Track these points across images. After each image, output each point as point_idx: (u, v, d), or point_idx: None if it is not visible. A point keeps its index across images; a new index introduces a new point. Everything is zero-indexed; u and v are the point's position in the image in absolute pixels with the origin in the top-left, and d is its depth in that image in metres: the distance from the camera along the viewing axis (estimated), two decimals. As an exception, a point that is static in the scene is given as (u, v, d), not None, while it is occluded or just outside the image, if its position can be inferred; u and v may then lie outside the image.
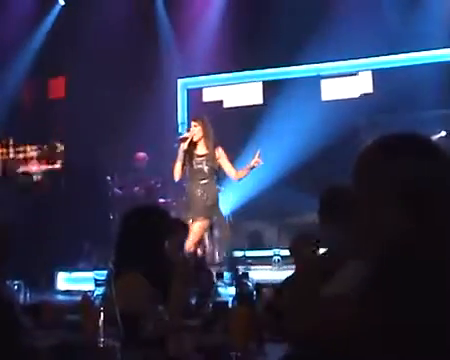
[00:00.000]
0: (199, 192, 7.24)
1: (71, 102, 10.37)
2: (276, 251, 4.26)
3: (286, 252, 4.09)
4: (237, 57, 9.86)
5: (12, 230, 3.15)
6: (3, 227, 3.12)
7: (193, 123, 7.36)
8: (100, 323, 2.17)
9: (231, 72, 10.39)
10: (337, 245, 1.90)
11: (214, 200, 7.33)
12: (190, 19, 10.09)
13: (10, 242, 3.11)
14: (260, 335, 2.69)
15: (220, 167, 7.29)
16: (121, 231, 3.46)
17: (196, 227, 7.10)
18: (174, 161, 7.28)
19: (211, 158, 7.23)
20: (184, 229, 5.03)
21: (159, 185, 9.47)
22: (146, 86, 9.69)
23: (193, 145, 7.26)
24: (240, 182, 7.58)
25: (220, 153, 7.28)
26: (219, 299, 3.00)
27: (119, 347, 2.24)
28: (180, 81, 10.70)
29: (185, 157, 7.24)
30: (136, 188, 9.46)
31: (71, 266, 8.49)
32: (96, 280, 2.56)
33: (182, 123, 9.98)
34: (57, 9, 10.93)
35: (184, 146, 7.20)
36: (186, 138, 7.24)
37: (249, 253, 8.55)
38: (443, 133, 7.90)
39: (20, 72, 10.50)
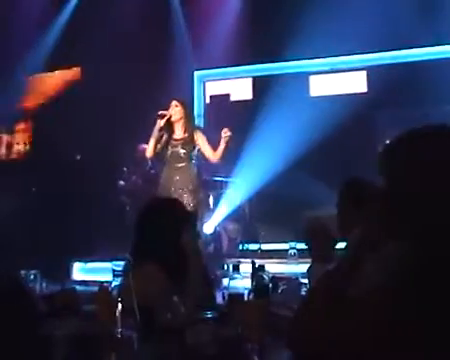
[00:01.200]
0: (174, 177, 6.93)
1: (85, 95, 10.37)
2: (292, 244, 4.25)
3: (302, 245, 4.09)
4: (254, 49, 9.82)
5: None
6: None
7: (174, 102, 7.02)
8: (118, 314, 2.18)
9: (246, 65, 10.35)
10: (358, 238, 1.89)
11: (193, 185, 6.96)
12: (204, 11, 10.04)
13: None
14: (276, 328, 2.69)
15: (199, 151, 7.00)
16: (138, 222, 3.47)
17: None
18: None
19: (189, 141, 6.93)
20: (199, 221, 5.03)
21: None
22: (161, 78, 9.67)
23: (171, 127, 6.98)
24: (252, 172, 7.46)
25: (198, 136, 6.98)
26: (235, 291, 2.99)
27: (136, 338, 2.25)
28: (196, 73, 10.68)
29: (161, 136, 6.95)
30: (138, 180, 9.40)
31: (86, 256, 8.51)
32: (114, 271, 2.57)
33: (198, 115, 9.97)
34: (73, 3, 10.93)
35: (161, 123, 6.89)
36: (164, 115, 6.91)
37: (264, 246, 8.56)
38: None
39: (37, 64, 10.53)
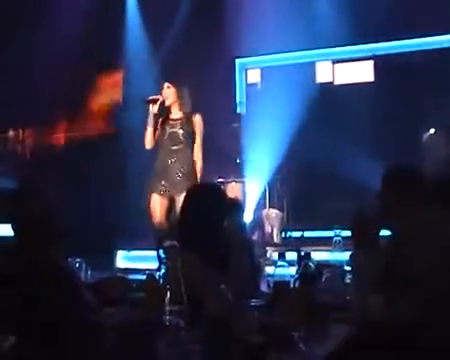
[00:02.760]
0: (171, 160, 6.47)
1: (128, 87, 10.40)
2: (337, 231, 4.22)
3: (348, 233, 4.07)
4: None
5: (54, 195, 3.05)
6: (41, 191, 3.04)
7: (166, 84, 6.54)
8: (166, 301, 2.20)
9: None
10: (405, 227, 1.88)
11: (191, 167, 6.45)
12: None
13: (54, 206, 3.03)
14: (322, 315, 2.70)
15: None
16: (182, 209, 3.45)
17: (166, 202, 6.42)
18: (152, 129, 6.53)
19: (186, 121, 6.46)
20: (242, 209, 5.02)
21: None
22: (202, 66, 9.63)
23: (167, 110, 6.53)
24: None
25: (197, 120, 6.48)
26: (280, 279, 2.99)
27: (184, 325, 2.27)
28: (238, 61, 10.64)
29: (156, 122, 6.50)
30: None
31: (131, 244, 8.57)
32: (161, 259, 2.59)
33: (240, 103, 9.94)
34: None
35: (154, 109, 6.45)
36: (156, 100, 6.47)
37: (307, 233, 8.51)
38: (432, 130, 7.73)
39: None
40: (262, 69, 10.47)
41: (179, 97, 6.51)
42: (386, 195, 3.37)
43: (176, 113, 6.53)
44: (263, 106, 9.36)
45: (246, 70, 10.66)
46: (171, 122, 6.52)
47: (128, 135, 9.26)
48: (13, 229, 2.85)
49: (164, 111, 6.53)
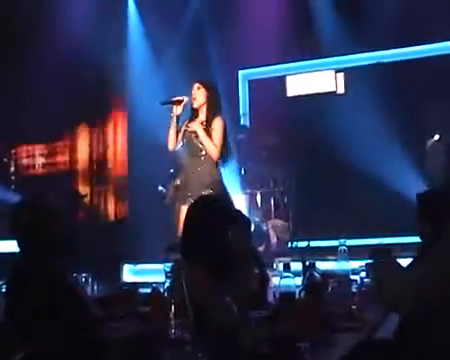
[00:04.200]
0: (196, 168, 6.11)
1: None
2: (342, 241, 4.20)
3: (353, 242, 4.06)
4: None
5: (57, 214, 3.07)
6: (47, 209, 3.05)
7: (196, 84, 6.16)
8: (171, 315, 2.20)
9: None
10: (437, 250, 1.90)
11: (216, 177, 6.08)
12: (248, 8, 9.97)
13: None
14: (328, 325, 2.69)
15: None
16: (185, 221, 3.42)
17: None
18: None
19: (209, 126, 6.05)
20: (248, 221, 4.98)
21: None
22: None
23: (195, 112, 6.17)
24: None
25: (216, 123, 6.05)
26: (286, 290, 2.99)
27: (189, 338, 2.27)
28: (241, 72, 10.66)
29: (179, 124, 6.15)
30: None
31: (136, 258, 8.57)
32: (166, 272, 2.58)
33: (244, 114, 9.96)
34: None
35: (177, 111, 6.12)
36: (180, 101, 6.13)
37: (313, 243, 8.51)
38: (436, 137, 7.71)
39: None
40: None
41: (209, 100, 6.11)
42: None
43: (203, 117, 6.14)
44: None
45: (249, 81, 10.67)
46: (191, 126, 6.13)
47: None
48: (17, 244, 2.86)
49: (192, 114, 6.20)
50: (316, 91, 10.07)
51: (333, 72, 10.09)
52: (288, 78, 10.29)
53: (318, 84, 10.09)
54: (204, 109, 6.12)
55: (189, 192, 6.02)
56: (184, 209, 5.81)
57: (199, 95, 6.10)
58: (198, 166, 6.10)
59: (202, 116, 6.13)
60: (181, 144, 6.23)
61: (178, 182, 6.28)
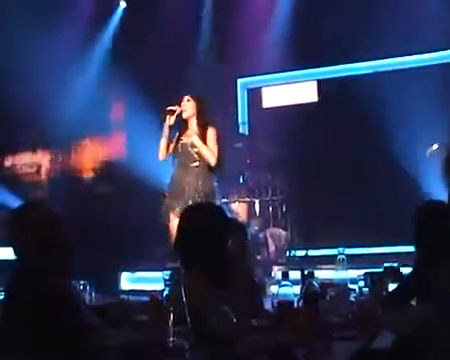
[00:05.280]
0: (188, 178, 6.30)
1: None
2: (340, 250, 4.20)
3: (351, 250, 4.07)
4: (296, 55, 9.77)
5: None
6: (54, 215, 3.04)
7: (186, 97, 6.40)
8: (170, 323, 2.19)
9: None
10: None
11: (209, 187, 6.29)
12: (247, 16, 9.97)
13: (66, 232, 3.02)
14: (327, 334, 2.69)
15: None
16: (182, 229, 3.39)
17: None
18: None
19: (202, 137, 6.25)
20: (245, 228, 4.98)
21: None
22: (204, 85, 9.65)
23: (185, 124, 6.41)
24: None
25: (209, 133, 6.27)
26: (284, 299, 2.99)
27: (188, 346, 2.27)
28: (240, 81, 10.66)
29: (171, 134, 6.37)
30: None
31: (134, 266, 8.56)
32: (165, 280, 2.58)
33: (242, 123, 9.97)
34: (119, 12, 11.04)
35: (170, 120, 6.32)
36: (173, 111, 6.33)
37: (312, 252, 8.52)
38: (435, 146, 7.71)
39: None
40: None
41: (198, 111, 6.36)
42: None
43: (193, 128, 6.37)
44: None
45: (248, 90, 10.67)
46: (187, 137, 6.37)
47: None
48: (14, 251, 2.85)
49: (181, 124, 6.41)
50: (314, 100, 10.09)
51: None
52: (287, 86, 10.33)
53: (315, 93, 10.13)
54: (193, 120, 6.36)
55: (181, 201, 6.13)
56: (174, 218, 6.10)
57: (188, 107, 6.36)
58: (191, 175, 6.28)
59: (194, 127, 6.35)
60: (172, 154, 6.39)
61: (170, 191, 6.41)
